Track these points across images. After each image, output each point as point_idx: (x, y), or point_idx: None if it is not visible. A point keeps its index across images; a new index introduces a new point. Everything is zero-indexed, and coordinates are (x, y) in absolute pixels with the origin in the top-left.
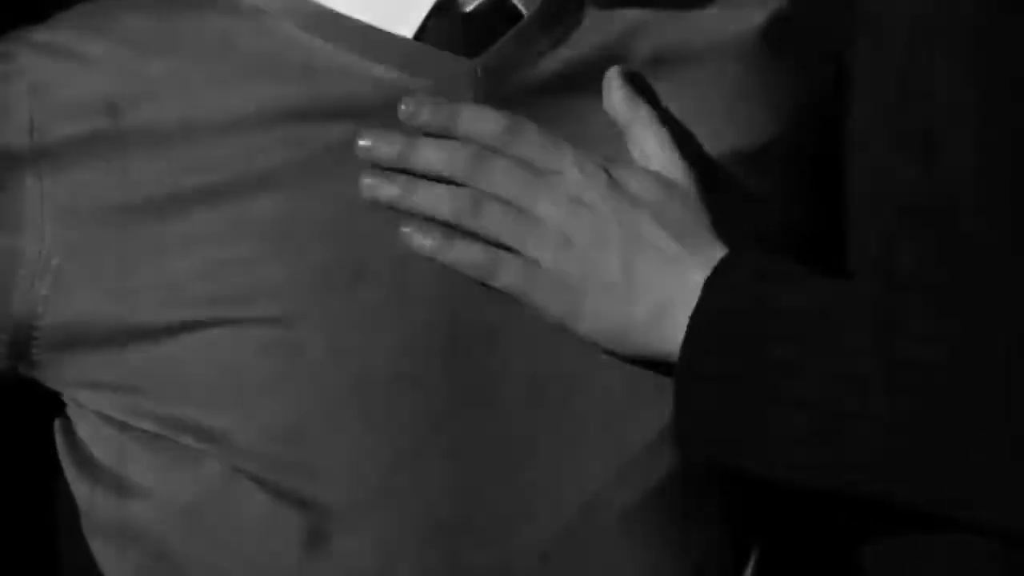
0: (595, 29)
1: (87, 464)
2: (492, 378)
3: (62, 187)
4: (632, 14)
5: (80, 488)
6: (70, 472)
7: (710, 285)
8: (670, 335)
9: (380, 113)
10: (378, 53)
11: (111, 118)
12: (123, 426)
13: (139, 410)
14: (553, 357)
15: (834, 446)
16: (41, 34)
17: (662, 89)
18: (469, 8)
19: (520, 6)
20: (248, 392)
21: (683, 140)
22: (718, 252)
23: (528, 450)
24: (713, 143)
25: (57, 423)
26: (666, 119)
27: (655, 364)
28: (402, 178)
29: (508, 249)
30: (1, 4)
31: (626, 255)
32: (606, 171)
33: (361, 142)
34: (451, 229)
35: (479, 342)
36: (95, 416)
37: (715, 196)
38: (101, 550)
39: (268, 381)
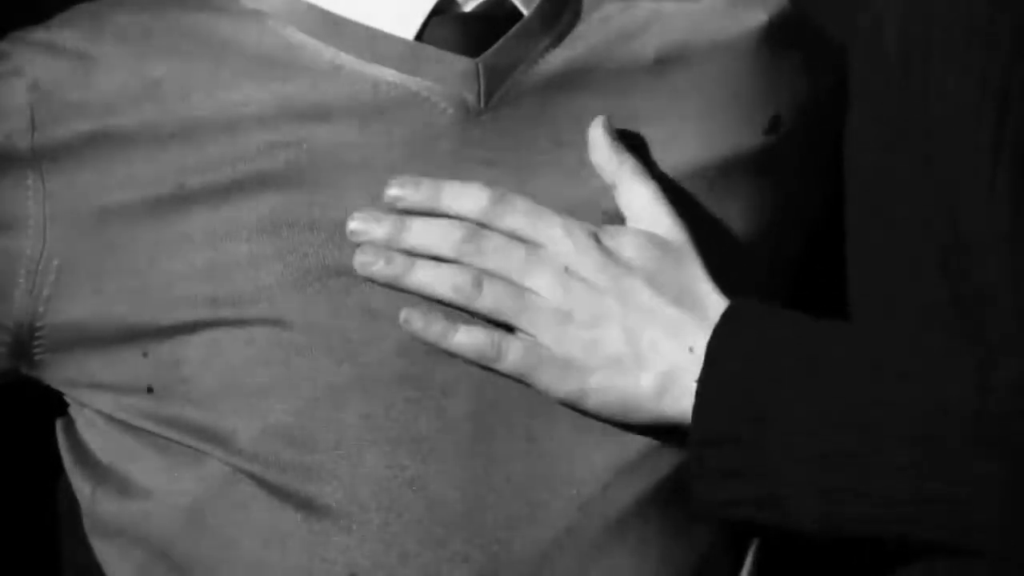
0: (596, 28)
1: (89, 464)
2: (492, 380)
3: (63, 187)
4: (632, 13)
5: (82, 487)
6: (72, 471)
7: (713, 348)
8: (679, 403)
9: (382, 114)
10: (379, 55)
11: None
12: (125, 426)
13: (141, 410)
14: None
15: (871, 498)
16: (41, 34)
17: (662, 88)
18: (469, 8)
19: (520, 5)
20: (249, 393)
21: (670, 189)
22: (718, 309)
23: (529, 451)
24: (713, 143)
25: (59, 422)
26: (653, 172)
27: None
28: (399, 257)
29: (507, 326)
30: (1, 4)
31: (627, 327)
32: (596, 238)
33: (351, 225)
34: (448, 307)
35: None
36: (97, 416)
37: (708, 243)
38: (102, 549)
39: (269, 382)
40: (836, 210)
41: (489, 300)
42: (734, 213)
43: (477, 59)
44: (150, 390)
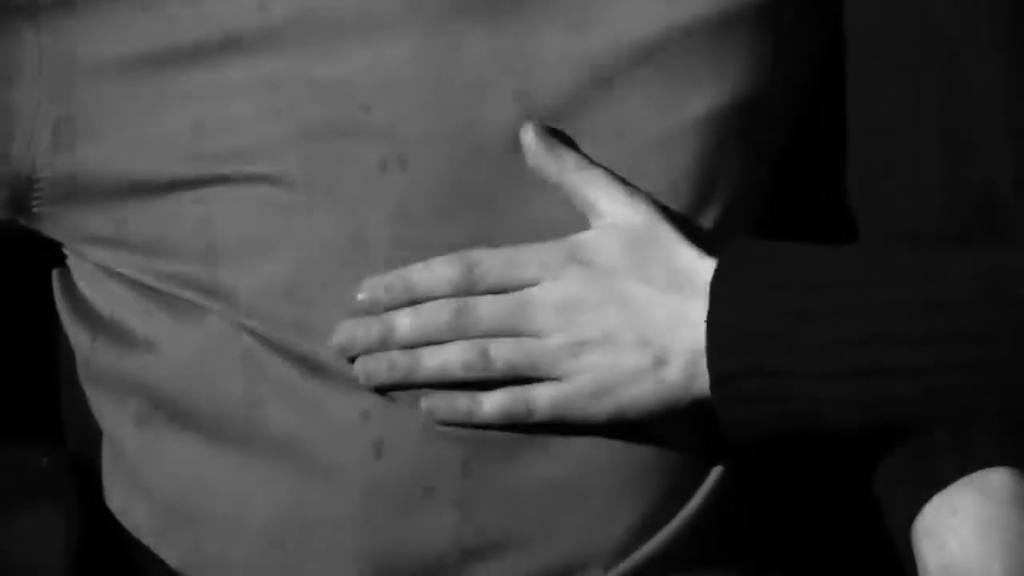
0: None
1: (88, 315)
2: (489, 239)
3: (60, 40)
4: None
5: (79, 338)
6: (69, 322)
7: (716, 288)
8: (705, 383)
9: None
10: None
11: None
12: (125, 279)
13: (141, 265)
14: (549, 215)
15: (898, 388)
16: None
17: None
18: None
19: None
20: (248, 250)
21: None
22: (710, 269)
23: None
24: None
25: (55, 273)
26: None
27: None
28: (399, 357)
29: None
30: None
31: (636, 331)
32: (572, 256)
33: (334, 340)
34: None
35: (478, 204)
36: (97, 269)
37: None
38: (99, 399)
39: (268, 239)
40: (838, 69)
41: (501, 364)
42: (733, 68)
43: None
44: (150, 246)
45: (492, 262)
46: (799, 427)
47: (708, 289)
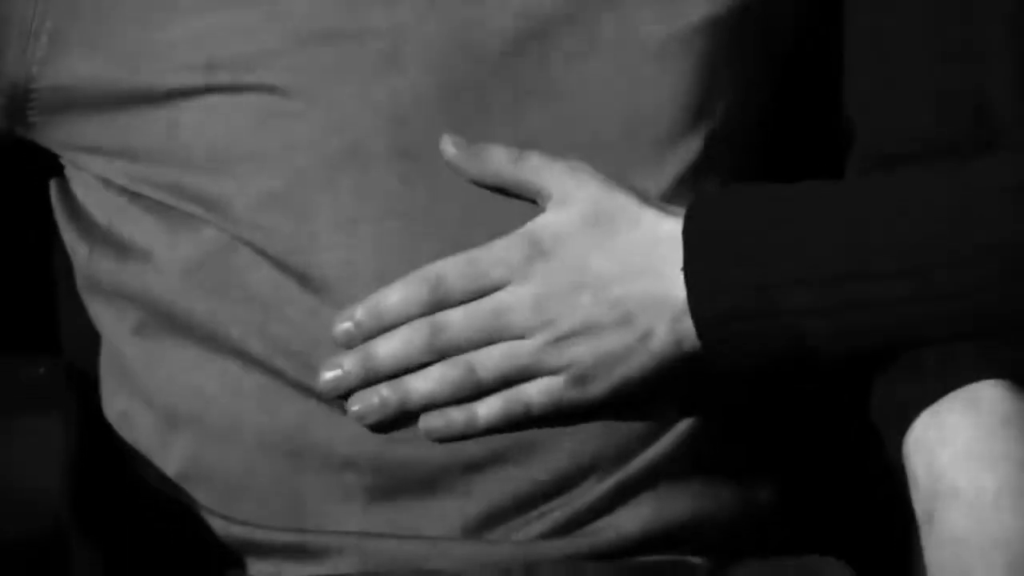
0: None
1: (86, 225)
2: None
3: None
4: None
5: (77, 248)
6: (66, 232)
7: (689, 234)
8: (694, 340)
9: None
10: None
11: None
12: (122, 190)
13: (138, 174)
14: (545, 121)
15: (884, 314)
16: None
17: None
18: None
19: None
20: (244, 160)
21: (549, 142)
22: (673, 219)
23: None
24: None
25: (52, 183)
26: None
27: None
28: (387, 391)
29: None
30: None
31: (617, 313)
32: (535, 247)
33: (323, 379)
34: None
35: (476, 110)
36: (94, 179)
37: (626, 167)
38: (98, 309)
39: (264, 149)
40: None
41: (490, 375)
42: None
43: None
44: (147, 156)
45: (455, 274)
46: (787, 362)
47: (679, 242)
